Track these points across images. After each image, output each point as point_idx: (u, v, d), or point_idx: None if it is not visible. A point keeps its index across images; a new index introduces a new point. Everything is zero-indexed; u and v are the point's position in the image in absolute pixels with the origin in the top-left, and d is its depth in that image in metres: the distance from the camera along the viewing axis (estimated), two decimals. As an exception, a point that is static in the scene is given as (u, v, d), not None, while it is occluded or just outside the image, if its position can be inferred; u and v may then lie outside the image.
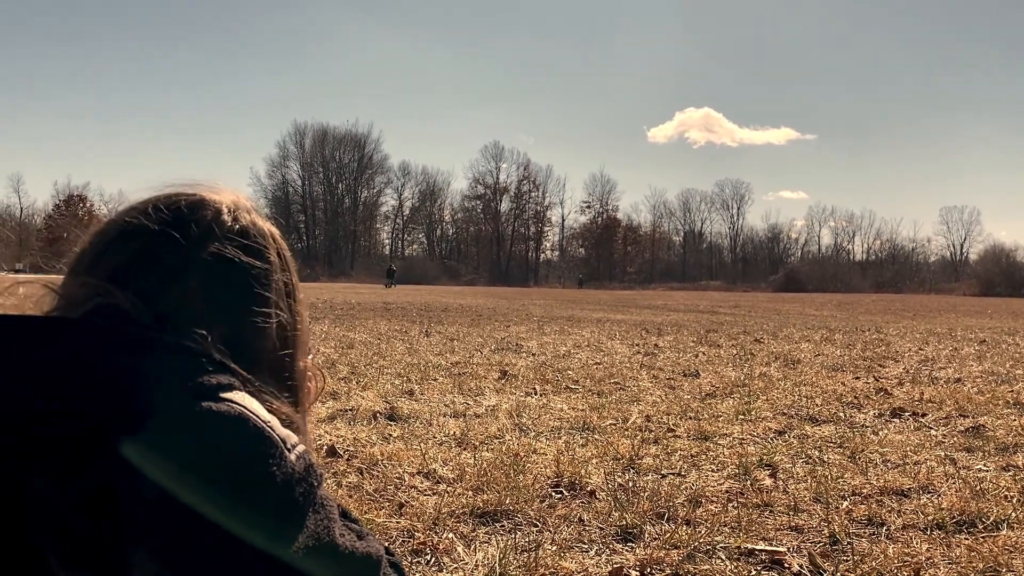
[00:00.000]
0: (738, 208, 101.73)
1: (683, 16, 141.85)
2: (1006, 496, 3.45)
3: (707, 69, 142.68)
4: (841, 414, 5.49)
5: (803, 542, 2.90)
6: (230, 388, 0.85)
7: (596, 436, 4.62)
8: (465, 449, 4.21)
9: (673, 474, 3.80)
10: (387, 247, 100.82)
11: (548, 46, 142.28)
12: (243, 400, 0.85)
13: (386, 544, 1.05)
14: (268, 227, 1.03)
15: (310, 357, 1.30)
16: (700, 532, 2.94)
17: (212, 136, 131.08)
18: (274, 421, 0.86)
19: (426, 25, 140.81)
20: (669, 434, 4.72)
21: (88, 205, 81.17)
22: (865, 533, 3.00)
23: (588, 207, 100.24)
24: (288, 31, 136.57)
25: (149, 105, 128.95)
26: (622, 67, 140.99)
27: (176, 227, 0.94)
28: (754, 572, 2.61)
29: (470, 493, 3.35)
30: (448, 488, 3.45)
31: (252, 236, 0.99)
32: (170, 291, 0.91)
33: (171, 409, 0.80)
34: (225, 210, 0.99)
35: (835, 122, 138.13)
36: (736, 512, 3.18)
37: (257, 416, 0.84)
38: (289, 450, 0.85)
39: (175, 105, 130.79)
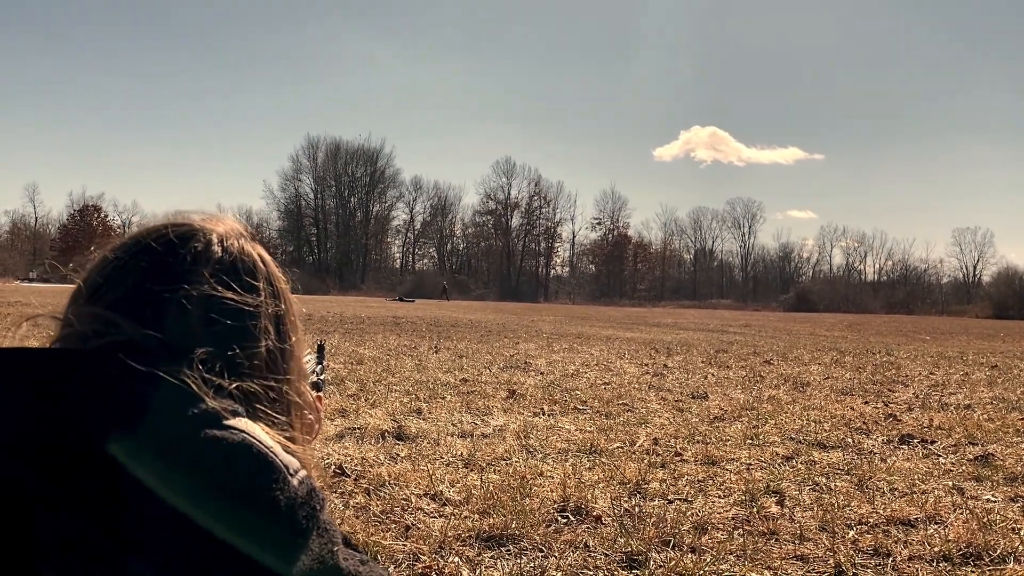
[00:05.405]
0: (749, 227, 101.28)
1: (687, 35, 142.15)
2: (1014, 528, 3.43)
3: (712, 88, 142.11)
4: (849, 440, 5.48)
5: (808, 572, 2.90)
6: (234, 414, 0.88)
7: (603, 459, 4.63)
8: (472, 470, 4.23)
9: (680, 499, 3.80)
10: (398, 261, 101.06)
11: (556, 64, 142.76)
12: (246, 427, 0.88)
13: (390, 571, 1.07)
14: (260, 254, 1.05)
15: (310, 385, 1.33)
16: (705, 560, 2.95)
17: (226, 149, 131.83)
18: (276, 447, 0.89)
19: (438, 43, 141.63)
20: (676, 458, 4.72)
21: (103, 216, 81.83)
22: (871, 564, 3.00)
23: (599, 224, 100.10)
24: (302, 47, 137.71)
25: (164, 117, 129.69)
26: (628, 85, 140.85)
27: (166, 258, 0.97)
28: (758, 602, 2.61)
29: (476, 516, 3.37)
30: (454, 511, 3.47)
31: (241, 265, 1.01)
32: (163, 322, 0.93)
33: (178, 437, 0.83)
34: (215, 239, 1.01)
35: (842, 142, 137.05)
36: (742, 540, 3.18)
37: (260, 442, 0.87)
38: (292, 475, 0.87)
39: (190, 118, 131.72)
